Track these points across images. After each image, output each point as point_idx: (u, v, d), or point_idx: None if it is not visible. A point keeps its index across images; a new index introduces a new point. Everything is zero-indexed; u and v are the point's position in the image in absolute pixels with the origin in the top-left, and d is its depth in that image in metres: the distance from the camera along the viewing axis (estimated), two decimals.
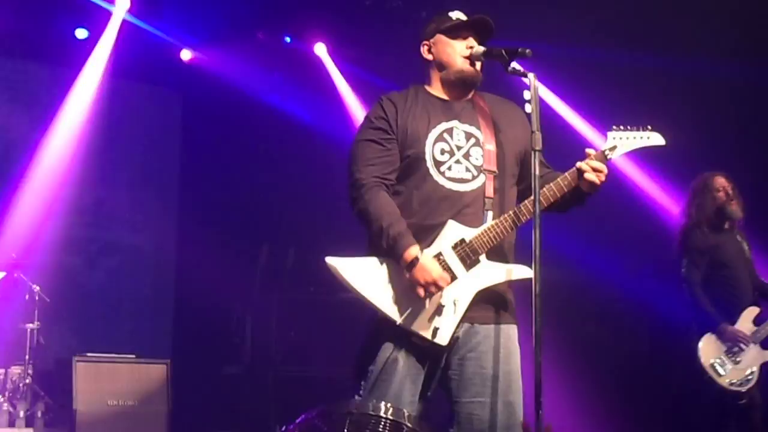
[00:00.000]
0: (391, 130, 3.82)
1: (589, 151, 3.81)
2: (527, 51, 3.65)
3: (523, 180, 3.92)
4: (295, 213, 9.57)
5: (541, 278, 3.43)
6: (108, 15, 8.76)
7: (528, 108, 3.58)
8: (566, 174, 3.76)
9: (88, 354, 7.45)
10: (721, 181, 6.34)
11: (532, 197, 3.61)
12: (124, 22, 8.82)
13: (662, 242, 7.24)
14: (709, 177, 6.38)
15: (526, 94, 3.57)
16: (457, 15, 3.96)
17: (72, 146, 9.37)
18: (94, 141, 9.49)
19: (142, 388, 7.45)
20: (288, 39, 9.39)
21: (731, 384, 5.99)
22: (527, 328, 3.50)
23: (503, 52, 3.70)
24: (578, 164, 3.76)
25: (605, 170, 3.76)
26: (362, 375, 3.77)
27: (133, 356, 7.64)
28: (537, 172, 3.53)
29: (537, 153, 3.54)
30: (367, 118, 3.92)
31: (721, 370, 6.00)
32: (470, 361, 3.74)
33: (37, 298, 7.72)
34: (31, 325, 7.66)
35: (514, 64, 3.67)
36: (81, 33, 9.06)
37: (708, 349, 6.05)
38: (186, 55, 9.60)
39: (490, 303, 3.76)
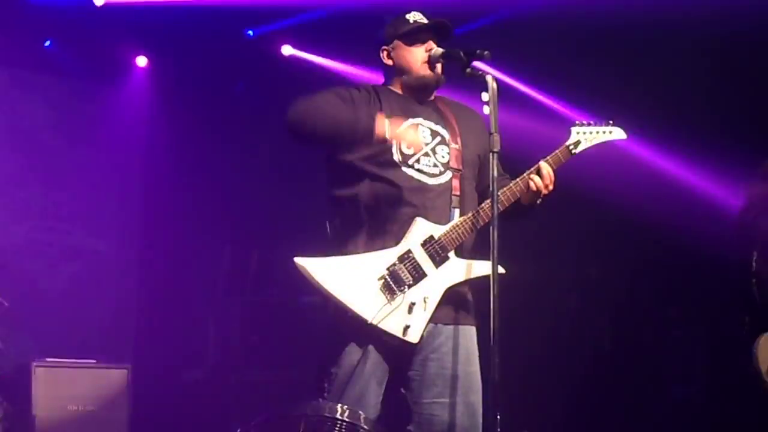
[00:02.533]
0: (360, 100, 3.81)
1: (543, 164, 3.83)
2: (486, 53, 3.68)
3: (479, 184, 3.95)
4: (258, 215, 9.53)
5: (498, 278, 3.45)
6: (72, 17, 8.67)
7: (486, 110, 3.60)
8: (521, 178, 3.79)
9: (48, 359, 7.38)
10: None
11: (489, 200, 3.65)
12: (90, 23, 8.74)
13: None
14: None
15: (484, 96, 3.58)
16: (414, 17, 3.97)
17: (32, 149, 9.31)
18: (55, 143, 9.43)
19: (102, 393, 7.39)
20: (251, 33, 9.31)
21: None
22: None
23: (461, 54, 3.72)
24: (533, 168, 3.79)
25: (552, 179, 3.78)
26: (325, 377, 3.76)
27: (94, 362, 7.58)
28: (495, 174, 3.55)
29: (495, 155, 3.56)
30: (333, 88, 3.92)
31: None
32: (432, 362, 3.76)
33: None
34: None
35: (473, 67, 3.69)
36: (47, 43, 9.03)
37: (765, 353, 5.33)
38: (142, 61, 9.55)
39: (452, 303, 3.78)
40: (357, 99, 3.78)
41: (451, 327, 3.76)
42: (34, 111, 9.38)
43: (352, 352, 3.67)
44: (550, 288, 8.23)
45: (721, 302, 7.11)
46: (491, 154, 3.52)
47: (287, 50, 9.33)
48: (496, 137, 3.52)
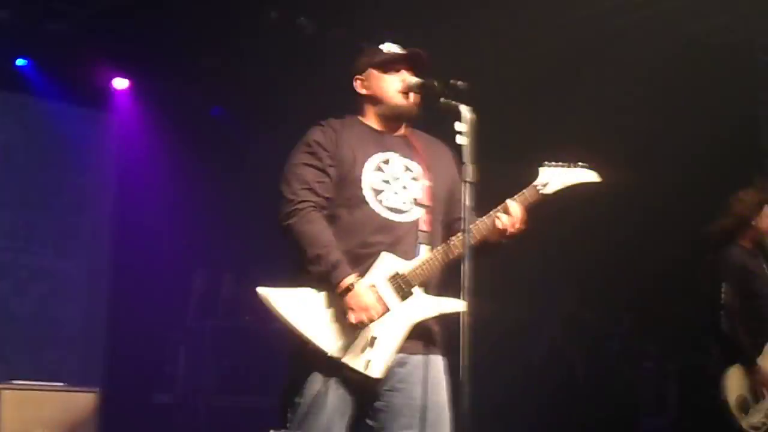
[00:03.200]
0: (329, 155, 3.78)
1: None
2: (460, 83, 3.66)
3: (444, 218, 3.94)
4: (231, 240, 9.50)
5: (470, 311, 3.43)
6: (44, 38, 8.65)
7: (460, 139, 3.57)
8: (487, 216, 3.78)
9: (15, 382, 7.28)
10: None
11: (459, 233, 3.63)
12: (62, 45, 8.72)
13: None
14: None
15: (459, 126, 3.56)
16: (389, 47, 3.96)
17: (3, 169, 9.25)
18: (27, 164, 9.38)
19: (69, 417, 7.29)
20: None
21: (752, 427, 5.48)
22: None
23: (435, 83, 3.71)
24: (500, 207, 3.77)
25: (519, 218, 3.77)
26: (289, 407, 3.73)
27: (62, 384, 7.49)
28: (468, 203, 3.53)
29: (469, 185, 3.54)
30: (304, 141, 3.85)
31: (746, 409, 5.47)
32: (400, 392, 3.72)
33: None
34: None
35: (447, 97, 3.67)
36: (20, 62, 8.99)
37: (735, 385, 5.51)
38: (120, 83, 9.53)
39: (419, 334, 3.75)
40: (327, 157, 3.76)
41: (419, 357, 3.72)
42: (6, 131, 9.33)
43: (315, 383, 3.60)
44: (525, 320, 8.26)
45: (693, 335, 7.15)
46: (464, 183, 3.50)
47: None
48: (471, 167, 3.51)
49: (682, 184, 7.71)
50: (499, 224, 3.76)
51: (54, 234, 9.62)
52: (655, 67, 7.58)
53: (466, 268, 3.45)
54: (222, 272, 9.47)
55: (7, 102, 9.35)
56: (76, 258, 9.73)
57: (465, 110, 3.57)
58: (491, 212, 3.79)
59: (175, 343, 9.16)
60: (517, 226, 3.78)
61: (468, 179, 3.53)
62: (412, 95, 3.89)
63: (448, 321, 3.70)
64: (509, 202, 3.79)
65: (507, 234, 3.78)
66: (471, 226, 3.63)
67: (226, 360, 8.74)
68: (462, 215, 3.54)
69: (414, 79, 3.86)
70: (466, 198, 3.52)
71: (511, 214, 3.77)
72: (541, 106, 8.14)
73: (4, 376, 7.55)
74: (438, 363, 3.80)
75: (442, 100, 3.66)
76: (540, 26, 7.75)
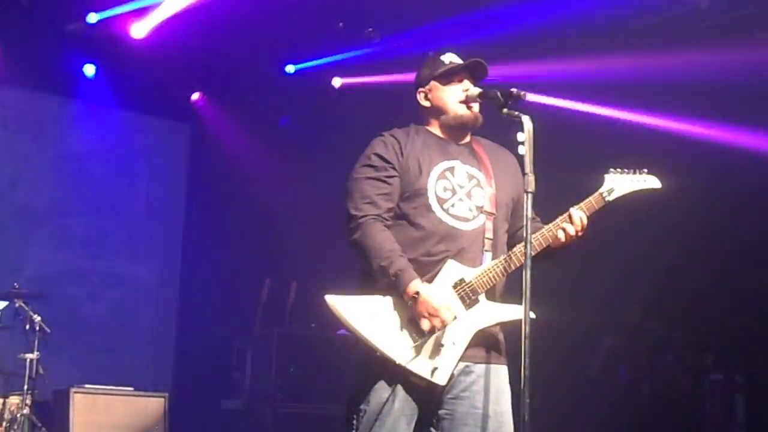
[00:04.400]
0: (391, 166, 3.81)
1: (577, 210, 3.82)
2: (522, 93, 3.66)
3: (510, 226, 3.95)
4: (297, 248, 9.59)
5: (529, 319, 3.44)
6: (118, 47, 8.84)
7: (522, 150, 3.59)
8: (553, 224, 3.78)
9: (86, 386, 7.45)
10: None
11: (521, 243, 3.64)
12: (134, 54, 8.90)
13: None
14: None
15: (520, 136, 3.58)
16: (450, 58, 3.98)
17: (78, 177, 9.48)
18: (99, 171, 9.60)
19: (139, 421, 7.44)
20: (292, 69, 9.43)
21: None
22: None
23: (498, 93, 3.70)
24: (565, 215, 3.78)
25: (584, 224, 3.78)
26: (354, 414, 3.75)
27: (131, 389, 7.63)
28: (529, 214, 3.54)
29: (530, 195, 3.55)
30: (366, 154, 3.89)
31: None
32: (463, 401, 3.72)
33: (37, 328, 7.70)
34: (30, 355, 7.64)
35: (510, 106, 3.69)
36: (89, 69, 9.18)
37: None
38: (194, 95, 9.71)
39: (483, 343, 3.76)
40: (389, 168, 3.79)
41: (482, 366, 3.72)
42: (81, 140, 9.55)
43: (381, 390, 3.64)
44: (586, 330, 8.20)
45: (760, 346, 7.05)
46: (525, 194, 3.50)
47: (337, 82, 9.47)
48: (531, 177, 3.50)
49: (748, 193, 7.60)
50: (561, 236, 3.77)
51: (126, 240, 9.82)
52: (724, 77, 7.49)
53: (527, 278, 3.46)
54: (288, 280, 9.54)
55: (79, 111, 9.58)
56: (148, 264, 9.92)
57: (526, 120, 3.58)
58: (557, 220, 3.79)
59: (242, 350, 9.24)
60: (580, 234, 3.79)
61: (529, 189, 3.53)
62: (474, 105, 3.91)
63: (511, 329, 3.71)
64: (573, 210, 3.79)
65: (568, 242, 3.79)
66: (535, 236, 3.66)
67: (292, 367, 8.79)
68: (524, 223, 3.55)
69: (476, 90, 3.88)
70: (528, 208, 3.53)
71: (574, 223, 3.78)
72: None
73: (75, 380, 7.73)
74: (501, 372, 3.81)
75: (504, 110, 3.67)
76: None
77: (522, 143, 3.57)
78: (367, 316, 3.66)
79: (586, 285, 8.01)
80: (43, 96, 9.41)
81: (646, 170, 4.00)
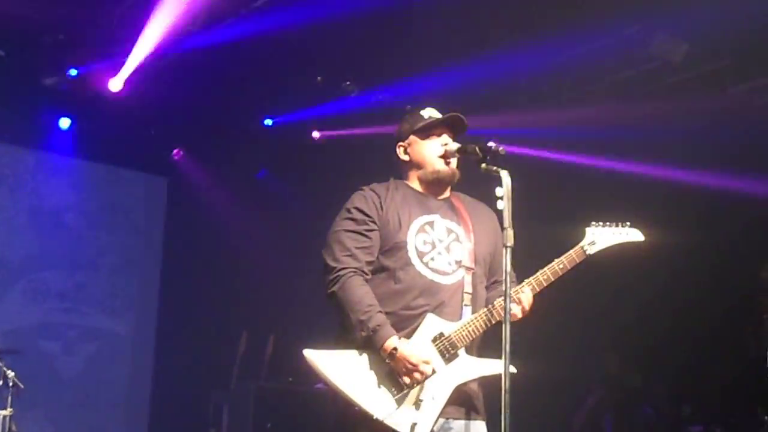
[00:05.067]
0: (371, 220, 3.83)
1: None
2: (501, 148, 3.68)
3: (487, 280, 3.96)
4: (275, 302, 9.55)
5: (509, 374, 3.42)
6: (95, 101, 8.83)
7: (500, 204, 3.60)
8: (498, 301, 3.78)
9: None
10: None
11: (500, 297, 3.64)
12: (112, 107, 8.89)
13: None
14: None
15: (499, 191, 3.58)
16: (429, 113, 4.01)
17: (54, 231, 9.42)
18: (76, 225, 9.55)
19: None
20: (270, 122, 9.45)
21: None
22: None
23: (477, 149, 3.72)
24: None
25: (529, 306, 3.79)
26: None
27: None
28: (509, 268, 3.54)
29: (509, 249, 3.55)
30: (346, 208, 3.91)
31: None
32: None
33: (11, 384, 7.59)
34: (3, 412, 7.51)
35: (488, 162, 3.70)
36: (64, 122, 9.17)
37: None
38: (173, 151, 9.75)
39: (461, 398, 3.74)
40: (369, 222, 3.80)
41: (461, 422, 3.71)
42: (58, 193, 9.51)
43: None
44: (565, 384, 8.18)
45: (738, 397, 7.05)
46: (504, 248, 3.51)
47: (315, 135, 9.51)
48: (510, 232, 3.50)
49: (726, 243, 7.65)
50: (517, 311, 3.77)
51: (102, 294, 9.75)
52: (703, 125, 7.57)
53: (506, 333, 3.46)
54: (266, 334, 9.49)
55: (57, 165, 9.55)
56: (124, 318, 9.85)
57: (505, 175, 3.59)
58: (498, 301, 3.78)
59: (219, 404, 9.16)
60: (526, 313, 3.80)
61: (508, 244, 3.54)
62: (453, 160, 3.93)
63: (490, 383, 3.70)
64: (517, 289, 3.78)
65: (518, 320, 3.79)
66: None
67: (269, 422, 8.71)
68: (503, 278, 3.54)
69: (455, 145, 3.91)
70: (507, 263, 3.53)
71: (521, 303, 3.78)
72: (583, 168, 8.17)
73: None
74: (480, 428, 3.79)
75: (483, 165, 3.69)
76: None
77: (500, 198, 3.58)
78: (345, 371, 3.65)
79: (564, 338, 8.00)
80: (19, 149, 9.38)
81: (629, 223, 4.01)
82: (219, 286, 9.65)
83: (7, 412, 7.54)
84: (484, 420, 3.82)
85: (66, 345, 9.51)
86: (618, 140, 7.89)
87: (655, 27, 7.18)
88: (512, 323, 3.52)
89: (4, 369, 7.63)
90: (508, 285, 3.53)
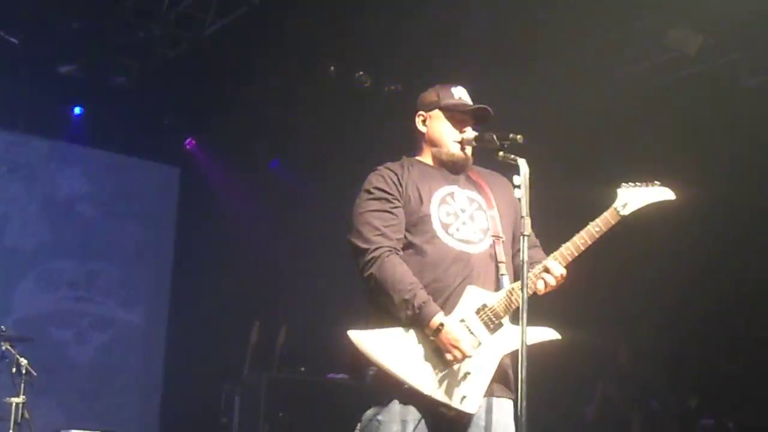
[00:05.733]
0: (394, 197, 3.79)
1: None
2: (519, 137, 3.66)
3: (513, 247, 3.94)
4: (287, 292, 9.55)
5: (526, 355, 3.42)
6: (111, 92, 8.86)
7: (518, 193, 3.59)
8: (534, 272, 3.74)
9: (72, 430, 7.36)
10: None
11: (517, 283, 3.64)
12: (125, 96, 8.91)
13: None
14: None
15: (516, 180, 3.57)
16: (460, 94, 3.97)
17: (67, 220, 9.45)
18: (89, 213, 9.57)
19: None
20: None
21: None
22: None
23: (494, 137, 3.71)
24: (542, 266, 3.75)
25: (563, 275, 3.74)
26: None
27: None
28: (526, 257, 3.53)
29: (526, 238, 3.54)
30: (366, 189, 3.86)
31: None
32: None
33: (24, 371, 7.63)
34: (16, 399, 7.55)
35: (505, 150, 3.69)
36: (77, 109, 9.18)
37: None
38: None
39: (499, 374, 3.73)
40: (392, 199, 3.77)
41: (491, 399, 3.70)
42: (71, 182, 9.54)
43: (392, 425, 3.58)
44: (579, 371, 8.18)
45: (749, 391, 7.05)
46: (522, 237, 3.50)
47: None
48: (527, 221, 3.49)
49: (740, 238, 7.63)
50: (541, 286, 3.74)
51: (115, 283, 9.77)
52: (716, 118, 7.55)
53: (523, 323, 3.46)
54: (278, 324, 9.50)
55: (70, 154, 9.57)
56: (136, 307, 9.87)
57: (522, 164, 3.58)
58: (535, 270, 3.75)
59: (230, 395, 9.17)
60: (561, 282, 3.77)
61: (525, 232, 3.53)
62: (468, 148, 3.92)
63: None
64: (549, 263, 3.75)
65: (550, 290, 3.76)
66: (517, 284, 3.66)
67: (280, 411, 8.71)
68: (522, 267, 3.53)
69: (472, 134, 3.88)
70: (524, 252, 3.53)
71: (553, 275, 3.75)
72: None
73: (62, 424, 7.65)
74: (506, 406, 3.76)
75: (500, 154, 3.67)
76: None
77: (518, 186, 3.58)
78: (390, 349, 3.61)
79: (577, 327, 7.99)
80: (32, 138, 9.40)
81: (658, 182, 3.96)
82: (231, 275, 9.66)
83: (20, 399, 7.58)
84: (511, 399, 3.78)
85: (78, 333, 9.54)
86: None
87: (670, 19, 7.17)
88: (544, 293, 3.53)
89: (18, 356, 7.67)
90: (525, 275, 3.52)
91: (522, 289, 3.50)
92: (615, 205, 3.86)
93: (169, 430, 8.91)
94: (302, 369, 8.81)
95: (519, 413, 3.40)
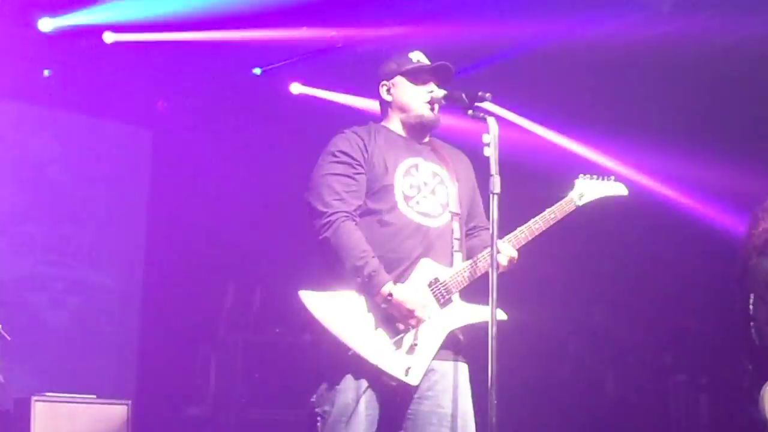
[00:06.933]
0: (357, 162, 3.80)
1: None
2: (487, 95, 3.68)
3: (467, 224, 3.98)
4: (262, 253, 9.53)
5: (496, 321, 3.44)
6: (78, 51, 8.73)
7: (487, 151, 3.59)
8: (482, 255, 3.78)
9: (47, 394, 7.35)
10: None
11: (486, 249, 3.66)
12: (95, 58, 8.80)
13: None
14: None
15: (486, 138, 3.58)
16: (417, 57, 3.99)
17: (38, 184, 9.37)
18: (60, 177, 9.49)
19: (101, 428, 7.34)
20: (258, 71, 9.35)
21: None
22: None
23: (463, 96, 3.72)
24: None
25: (513, 259, 3.80)
26: (319, 416, 3.73)
27: (94, 396, 7.55)
28: (495, 216, 3.54)
29: (495, 196, 3.56)
30: (328, 151, 3.87)
31: None
32: (428, 400, 3.73)
33: None
34: None
35: (474, 108, 3.69)
36: (48, 74, 9.06)
37: None
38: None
39: (448, 341, 3.77)
40: (355, 164, 3.77)
41: (447, 364, 3.74)
42: (41, 145, 9.45)
43: (347, 390, 3.62)
44: (551, 331, 8.23)
45: (722, 349, 7.11)
46: (491, 195, 3.52)
47: (296, 88, 9.39)
48: (497, 179, 3.51)
49: (716, 192, 7.68)
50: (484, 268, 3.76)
51: (88, 247, 9.72)
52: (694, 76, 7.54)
53: (493, 281, 3.47)
54: (253, 285, 9.50)
55: (39, 117, 9.47)
56: (110, 271, 9.82)
57: (492, 122, 3.59)
58: (482, 253, 3.78)
59: (206, 356, 9.19)
60: (512, 264, 3.81)
61: (495, 190, 3.54)
62: (437, 107, 3.92)
63: (471, 329, 3.73)
64: (501, 244, 3.76)
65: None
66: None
67: (257, 373, 8.75)
68: (489, 226, 3.55)
69: (441, 92, 3.89)
70: (494, 209, 3.54)
71: (504, 254, 3.77)
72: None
73: (37, 388, 7.63)
74: (463, 370, 3.82)
75: (469, 112, 3.68)
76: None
77: (488, 144, 3.58)
78: (340, 314, 3.65)
79: (550, 287, 8.04)
80: (1, 101, 9.29)
81: (613, 177, 4.17)
82: (204, 237, 9.62)
83: None
84: (466, 363, 3.85)
85: (52, 297, 9.50)
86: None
87: None
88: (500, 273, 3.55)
89: None
90: (495, 233, 3.54)
91: (492, 247, 3.52)
92: (571, 194, 4.01)
93: (146, 393, 8.89)
94: (277, 330, 8.83)
95: (490, 383, 3.42)
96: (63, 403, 7.33)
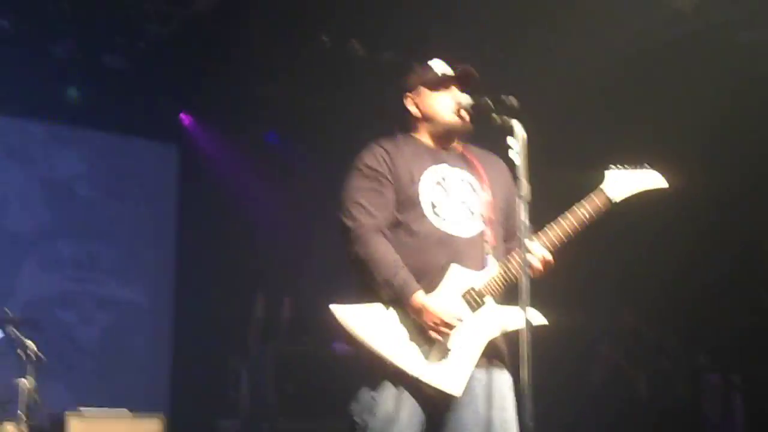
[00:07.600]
0: (383, 176, 3.79)
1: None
2: (513, 99, 3.64)
3: (506, 232, 3.92)
4: (291, 264, 9.55)
5: (530, 326, 3.41)
6: (104, 72, 8.81)
7: (513, 155, 3.55)
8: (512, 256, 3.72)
9: (81, 409, 7.39)
10: None
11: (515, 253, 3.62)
12: (122, 78, 8.86)
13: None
14: None
15: (511, 141, 3.54)
16: (438, 65, 3.96)
17: (68, 202, 9.43)
18: (90, 195, 9.56)
19: None
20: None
21: None
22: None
23: (488, 100, 3.69)
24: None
25: (547, 260, 3.72)
26: (360, 426, 3.70)
27: (127, 411, 7.57)
28: (523, 219, 3.50)
29: (525, 202, 3.51)
30: (355, 167, 3.87)
31: None
32: (467, 407, 3.68)
33: (31, 353, 7.63)
34: (24, 381, 7.56)
35: (499, 113, 3.66)
36: (72, 91, 9.12)
37: None
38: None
39: (487, 349, 3.73)
40: (381, 177, 3.77)
41: (485, 371, 3.71)
42: (70, 164, 9.52)
43: (388, 402, 3.59)
44: (580, 336, 8.19)
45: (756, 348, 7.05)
46: (518, 198, 3.46)
47: None
48: (524, 183, 3.49)
49: (743, 194, 7.61)
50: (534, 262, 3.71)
51: (118, 263, 9.77)
52: (714, 76, 7.48)
53: (524, 286, 3.43)
54: (282, 297, 9.51)
55: (69, 136, 9.54)
56: (141, 286, 9.88)
57: (517, 126, 3.55)
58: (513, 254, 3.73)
59: (238, 369, 9.20)
60: (547, 266, 3.75)
61: (522, 194, 3.50)
62: (464, 113, 3.88)
63: (511, 335, 3.68)
64: (531, 244, 3.69)
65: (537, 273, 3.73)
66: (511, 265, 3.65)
67: (288, 384, 8.75)
68: (519, 231, 3.50)
69: (466, 98, 3.85)
70: (522, 214, 3.50)
71: (535, 255, 3.71)
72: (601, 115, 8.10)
73: (71, 404, 7.66)
74: (504, 378, 3.77)
75: (494, 116, 3.64)
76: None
77: (512, 148, 3.54)
78: (374, 326, 3.62)
79: (579, 288, 7.99)
80: (28, 121, 9.36)
81: (647, 165, 3.89)
82: (234, 250, 9.66)
83: (28, 380, 7.59)
84: (507, 371, 3.79)
85: (83, 314, 9.55)
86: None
87: None
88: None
89: (23, 339, 7.67)
90: (525, 235, 3.50)
91: (522, 250, 3.47)
92: (602, 186, 3.81)
93: (179, 408, 8.92)
94: (307, 340, 8.83)
95: (525, 388, 3.37)
96: (97, 418, 7.36)
